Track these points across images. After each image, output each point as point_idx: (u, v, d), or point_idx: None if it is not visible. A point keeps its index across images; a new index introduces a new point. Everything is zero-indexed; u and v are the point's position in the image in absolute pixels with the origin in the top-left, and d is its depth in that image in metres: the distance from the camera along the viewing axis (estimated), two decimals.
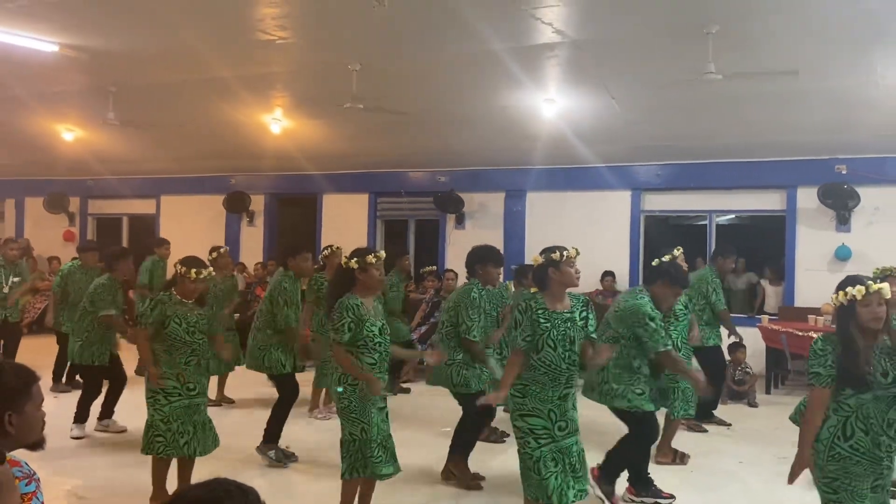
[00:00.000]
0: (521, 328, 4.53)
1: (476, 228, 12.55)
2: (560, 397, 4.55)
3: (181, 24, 7.92)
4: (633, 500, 5.61)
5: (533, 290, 4.81)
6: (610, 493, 5.47)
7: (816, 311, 9.77)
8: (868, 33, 7.35)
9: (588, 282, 9.82)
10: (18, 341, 9.16)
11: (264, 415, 6.66)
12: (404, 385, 9.53)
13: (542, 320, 4.50)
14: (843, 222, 10.61)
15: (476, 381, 5.95)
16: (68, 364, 8.44)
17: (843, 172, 10.51)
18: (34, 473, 2.36)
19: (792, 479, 3.91)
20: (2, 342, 9.04)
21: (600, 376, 5.41)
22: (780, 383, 10.19)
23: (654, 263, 6.73)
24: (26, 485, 2.32)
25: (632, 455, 5.58)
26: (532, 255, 5.03)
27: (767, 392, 9.85)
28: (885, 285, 3.83)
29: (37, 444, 2.60)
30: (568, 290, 4.73)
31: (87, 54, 8.91)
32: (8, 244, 9.40)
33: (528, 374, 4.53)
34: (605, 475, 5.52)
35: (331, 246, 9.01)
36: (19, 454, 2.40)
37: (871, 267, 6.40)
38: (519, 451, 4.53)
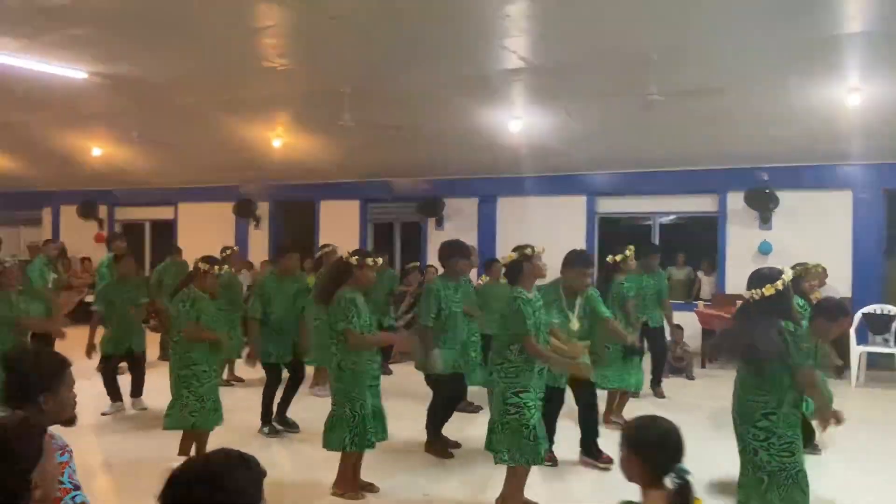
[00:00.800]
0: (526, 318, 4.48)
1: (453, 230, 12.52)
2: (538, 373, 4.61)
3: (195, 54, 7.93)
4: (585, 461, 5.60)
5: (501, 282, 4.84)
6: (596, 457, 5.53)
7: (741, 298, 9.88)
8: (784, 60, 7.49)
9: (551, 275, 9.83)
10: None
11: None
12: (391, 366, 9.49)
13: (532, 309, 4.53)
14: (765, 222, 10.76)
15: (443, 365, 5.86)
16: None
17: (765, 179, 10.63)
18: (67, 445, 2.38)
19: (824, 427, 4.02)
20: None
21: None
22: (712, 359, 10.27)
23: (608, 260, 6.82)
24: (60, 455, 2.32)
25: (594, 416, 5.61)
26: (502, 253, 5.06)
27: (702, 367, 9.97)
28: (788, 272, 4.00)
29: (69, 421, 2.61)
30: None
31: (113, 81, 8.90)
32: (49, 245, 9.31)
33: (519, 357, 4.52)
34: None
35: (327, 245, 9.02)
36: (54, 429, 2.40)
37: (789, 260, 6.46)
38: (512, 423, 4.48)
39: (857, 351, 8.87)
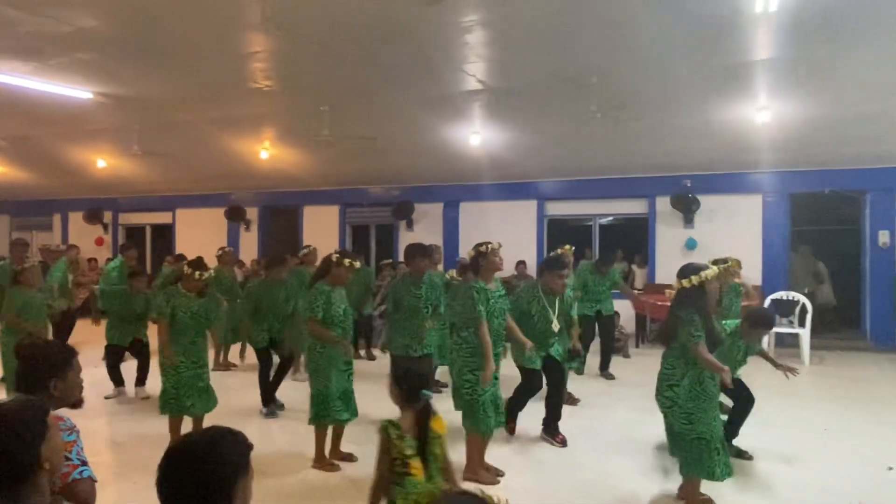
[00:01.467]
0: (476, 304, 4.51)
1: (422, 231, 12.56)
2: (495, 355, 4.63)
3: (190, 76, 7.85)
4: (543, 437, 5.57)
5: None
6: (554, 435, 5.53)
7: (671, 287, 10.04)
8: (703, 82, 7.59)
9: (506, 268, 9.94)
10: (74, 323, 8.93)
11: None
12: (374, 352, 9.44)
13: (487, 298, 4.56)
14: (688, 222, 10.94)
15: (409, 349, 5.88)
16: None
17: (688, 185, 10.82)
18: (75, 426, 2.38)
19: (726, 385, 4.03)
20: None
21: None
22: (644, 340, 10.45)
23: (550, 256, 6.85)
24: (68, 434, 2.30)
25: (523, 399, 5.59)
26: (465, 249, 5.08)
27: (636, 346, 10.16)
28: (714, 269, 4.12)
29: (76, 404, 2.58)
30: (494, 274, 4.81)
31: (115, 100, 8.78)
32: (73, 249, 9.23)
33: (475, 339, 4.54)
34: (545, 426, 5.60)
35: (309, 246, 9.02)
36: (63, 411, 2.38)
37: (710, 255, 6.59)
38: (467, 397, 4.53)
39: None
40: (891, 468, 4.85)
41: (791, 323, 9.25)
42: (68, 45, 6.68)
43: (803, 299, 9.15)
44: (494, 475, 4.66)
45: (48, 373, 2.49)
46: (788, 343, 9.35)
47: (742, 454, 4.96)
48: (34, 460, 1.80)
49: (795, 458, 5.05)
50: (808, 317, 8.99)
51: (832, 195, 10.62)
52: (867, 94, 7.58)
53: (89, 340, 8.08)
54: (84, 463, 2.33)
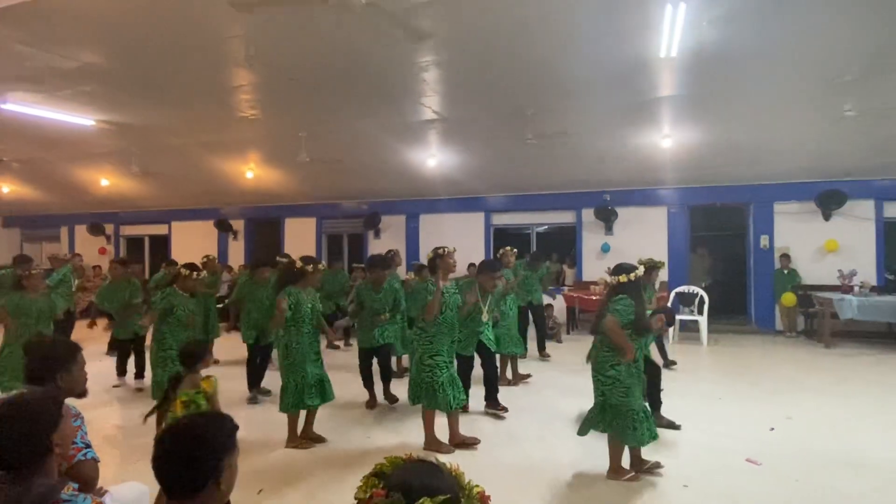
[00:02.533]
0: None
1: (387, 239, 12.50)
2: (451, 342, 4.63)
3: (183, 106, 7.69)
4: (488, 411, 5.58)
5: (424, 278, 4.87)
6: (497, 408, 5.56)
7: (594, 283, 10.25)
8: (618, 115, 7.75)
9: (459, 270, 9.94)
10: (74, 324, 8.51)
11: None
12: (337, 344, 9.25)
13: (443, 293, 4.54)
14: (608, 230, 11.13)
15: (373, 341, 5.86)
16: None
17: (607, 199, 11.01)
18: (80, 413, 2.30)
19: (629, 358, 3.97)
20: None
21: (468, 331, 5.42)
22: (574, 327, 10.58)
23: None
24: (74, 421, 2.23)
25: (494, 378, 5.63)
26: (424, 253, 5.07)
27: (567, 333, 10.26)
28: (641, 268, 4.14)
29: (82, 394, 2.50)
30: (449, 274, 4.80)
31: (116, 127, 8.55)
32: (76, 257, 8.98)
33: (435, 328, 4.54)
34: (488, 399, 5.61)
35: (287, 255, 8.85)
36: (69, 401, 2.30)
37: (623, 257, 6.68)
38: (427, 380, 4.50)
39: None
40: (772, 429, 4.98)
41: (692, 311, 9.47)
42: (73, 78, 6.46)
43: (701, 292, 9.35)
44: (469, 444, 4.64)
45: (55, 367, 2.40)
46: (690, 328, 9.54)
47: (672, 425, 4.98)
48: (47, 444, 1.75)
49: (696, 423, 5.14)
50: (706, 306, 9.20)
51: (723, 207, 10.90)
52: (749, 124, 7.84)
53: (90, 338, 7.78)
54: (88, 446, 2.25)
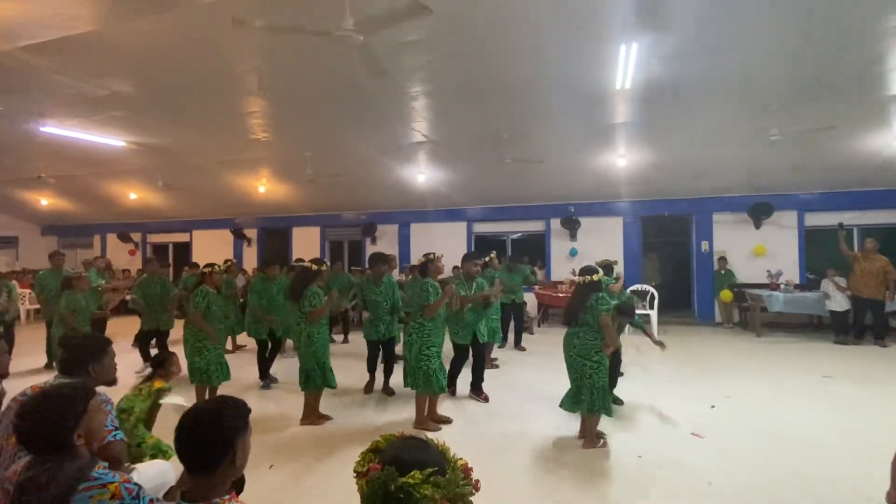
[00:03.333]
0: (430, 296, 4.49)
1: (383, 245, 12.45)
2: (443, 335, 4.61)
3: (203, 129, 7.62)
4: (471, 396, 5.52)
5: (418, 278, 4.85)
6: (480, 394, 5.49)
7: (560, 283, 10.29)
8: (581, 138, 7.80)
9: (445, 272, 9.92)
10: (106, 321, 8.36)
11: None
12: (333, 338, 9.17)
13: (430, 294, 4.51)
14: (573, 237, 11.17)
15: (374, 332, 5.71)
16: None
17: (572, 211, 11.07)
18: (110, 399, 2.24)
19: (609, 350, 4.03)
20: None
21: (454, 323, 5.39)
22: (544, 321, 10.61)
23: (484, 260, 6.83)
24: (104, 406, 2.16)
25: (458, 367, 5.52)
26: (414, 260, 5.06)
27: (538, 326, 10.26)
28: (601, 272, 4.19)
29: (111, 382, 2.45)
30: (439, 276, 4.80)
31: (144, 147, 8.43)
32: (98, 259, 8.82)
33: (431, 324, 4.50)
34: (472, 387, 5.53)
35: (301, 259, 8.77)
36: (100, 389, 2.25)
37: (587, 261, 6.70)
38: (424, 367, 4.46)
39: None
40: (713, 406, 5.02)
41: (644, 306, 9.54)
42: (105, 105, 6.37)
43: (652, 290, 9.41)
44: (438, 422, 4.61)
45: (87, 359, 2.35)
46: (643, 321, 9.63)
47: (617, 400, 5.03)
48: (71, 436, 1.70)
49: (648, 402, 5.19)
50: (656, 302, 9.27)
51: (669, 217, 10.98)
52: (691, 146, 7.92)
53: (119, 332, 7.61)
54: (116, 428, 2.20)
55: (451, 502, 1.16)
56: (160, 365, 3.41)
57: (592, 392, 4.03)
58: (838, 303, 8.21)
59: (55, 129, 7.26)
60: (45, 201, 13.38)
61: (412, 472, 1.15)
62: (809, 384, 5.83)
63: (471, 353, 5.49)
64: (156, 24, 4.43)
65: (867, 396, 5.30)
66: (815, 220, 9.82)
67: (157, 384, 3.22)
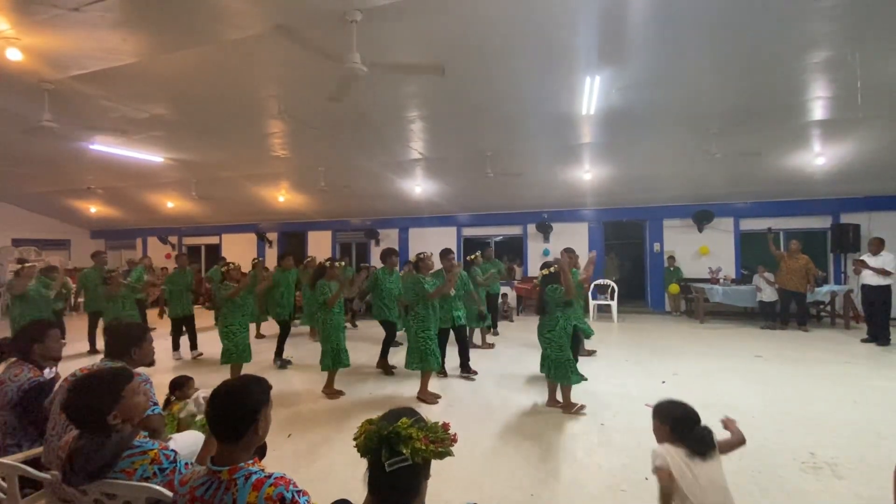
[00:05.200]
0: (425, 286, 4.52)
1: (385, 246, 12.35)
2: (434, 319, 4.59)
3: (231, 148, 7.53)
4: (462, 375, 5.53)
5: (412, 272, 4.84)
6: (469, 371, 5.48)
7: (535, 278, 10.27)
8: (553, 155, 7.81)
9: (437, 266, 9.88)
10: (146, 311, 8.25)
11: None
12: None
13: (425, 286, 4.51)
14: (546, 239, 11.17)
15: (389, 314, 5.76)
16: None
17: (546, 217, 11.07)
18: (149, 378, 2.20)
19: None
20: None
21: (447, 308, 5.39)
22: (521, 311, 10.62)
23: (468, 258, 6.84)
24: (144, 384, 2.13)
25: (466, 349, 5.54)
26: (411, 257, 5.05)
27: (517, 315, 10.26)
28: (556, 266, 4.19)
29: (151, 364, 2.41)
30: (430, 271, 4.79)
31: (180, 163, 8.31)
32: (144, 259, 8.74)
33: (425, 312, 4.52)
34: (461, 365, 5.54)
35: (313, 257, 8.74)
36: (141, 369, 2.21)
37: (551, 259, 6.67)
38: (422, 347, 4.45)
39: (592, 303, 9.36)
40: (663, 382, 5.05)
41: (605, 297, 9.60)
42: (146, 126, 6.28)
43: (613, 284, 9.49)
44: (435, 398, 4.61)
45: (129, 343, 2.31)
46: (604, 310, 9.64)
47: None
48: (107, 413, 1.67)
49: (608, 378, 5.20)
50: (616, 294, 9.35)
51: (627, 222, 11.03)
52: (645, 163, 7.97)
53: (160, 324, 7.50)
54: (155, 403, 2.17)
55: (434, 444, 1.17)
56: (178, 388, 3.25)
57: (549, 364, 4.16)
58: (768, 295, 8.32)
59: (102, 146, 7.16)
60: (93, 209, 13.17)
61: (401, 420, 1.20)
62: (743, 363, 5.89)
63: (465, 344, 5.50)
64: (190, 57, 4.39)
65: (791, 373, 5.37)
66: (749, 224, 9.91)
67: (175, 407, 3.02)
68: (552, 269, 4.12)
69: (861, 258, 6.94)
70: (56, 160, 8.40)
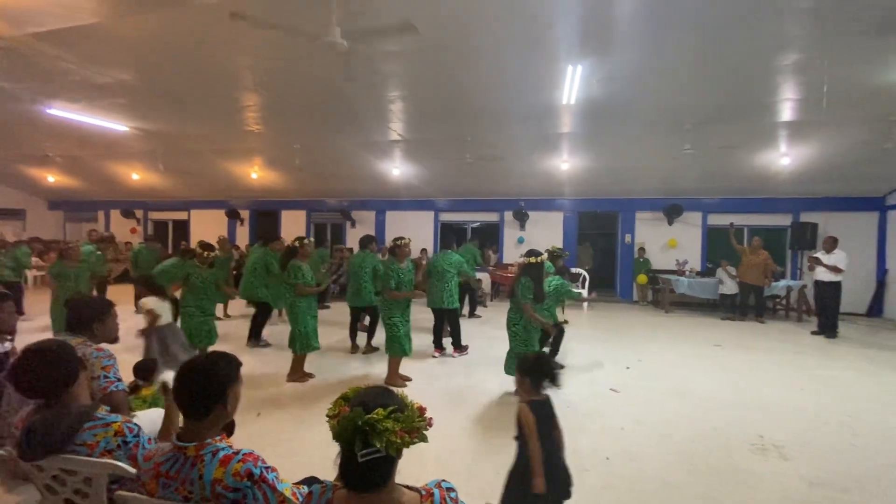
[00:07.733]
0: (390, 277, 4.47)
1: (361, 229, 12.22)
2: (405, 307, 4.57)
3: (201, 120, 7.21)
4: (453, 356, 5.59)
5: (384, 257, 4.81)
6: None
7: (511, 265, 10.39)
8: (532, 144, 7.81)
9: (414, 253, 9.85)
10: (107, 287, 7.91)
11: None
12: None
13: (399, 274, 4.47)
14: (522, 227, 11.24)
15: (370, 297, 5.70)
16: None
17: (522, 205, 11.10)
18: (112, 354, 2.13)
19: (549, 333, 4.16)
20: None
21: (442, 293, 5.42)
22: (495, 296, 10.72)
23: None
24: (107, 360, 2.07)
25: (457, 329, 5.65)
26: (388, 242, 4.99)
27: (491, 300, 10.34)
28: (545, 255, 4.14)
29: (114, 340, 2.34)
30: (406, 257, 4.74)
31: (145, 133, 7.92)
32: (94, 232, 8.37)
33: (390, 297, 4.50)
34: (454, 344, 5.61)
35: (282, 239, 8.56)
36: (104, 345, 2.14)
37: (534, 246, 6.74)
38: (391, 334, 4.47)
39: None
40: (628, 368, 5.21)
41: (577, 285, 9.74)
42: (108, 91, 5.95)
43: (585, 273, 9.68)
44: (404, 380, 4.64)
45: (91, 318, 2.23)
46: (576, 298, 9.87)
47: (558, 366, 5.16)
48: (66, 381, 1.65)
49: (578, 364, 5.31)
50: (587, 283, 9.55)
51: (600, 213, 11.19)
52: (620, 155, 8.07)
53: (120, 298, 7.20)
54: (119, 380, 2.11)
55: (409, 434, 1.19)
56: (145, 371, 3.04)
57: (510, 358, 4.20)
58: (729, 287, 8.68)
59: (60, 111, 6.75)
60: (51, 178, 12.43)
61: (376, 410, 1.17)
62: (703, 350, 6.12)
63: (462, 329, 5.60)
64: (157, 19, 4.16)
65: (749, 360, 5.64)
66: (716, 220, 10.23)
67: (146, 392, 2.86)
68: (533, 260, 4.07)
69: (815, 255, 7.30)
70: (9, 123, 7.87)
